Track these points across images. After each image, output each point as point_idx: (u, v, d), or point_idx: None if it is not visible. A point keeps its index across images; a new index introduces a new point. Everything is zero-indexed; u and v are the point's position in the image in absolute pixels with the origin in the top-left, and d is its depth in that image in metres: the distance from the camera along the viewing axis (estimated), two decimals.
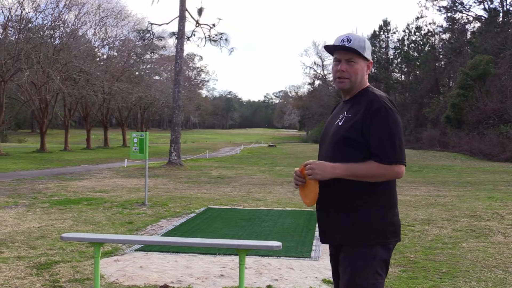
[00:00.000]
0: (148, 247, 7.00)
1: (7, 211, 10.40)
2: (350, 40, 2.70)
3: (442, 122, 47.34)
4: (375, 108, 2.60)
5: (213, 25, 31.66)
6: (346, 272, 2.63)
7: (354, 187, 2.62)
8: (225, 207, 11.44)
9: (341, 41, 2.72)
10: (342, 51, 2.72)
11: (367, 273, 2.57)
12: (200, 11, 31.53)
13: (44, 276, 5.60)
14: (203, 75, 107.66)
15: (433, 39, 68.36)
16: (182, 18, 28.15)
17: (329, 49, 2.80)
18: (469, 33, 60.63)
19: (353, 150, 2.63)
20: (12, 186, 15.59)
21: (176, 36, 28.58)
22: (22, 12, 39.56)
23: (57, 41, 43.85)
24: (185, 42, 28.85)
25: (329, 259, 2.92)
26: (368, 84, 2.81)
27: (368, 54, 2.76)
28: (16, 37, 39.58)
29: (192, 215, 10.17)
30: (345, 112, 2.75)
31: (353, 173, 2.58)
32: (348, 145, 2.65)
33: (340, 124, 2.72)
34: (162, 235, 8.01)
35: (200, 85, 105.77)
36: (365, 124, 2.59)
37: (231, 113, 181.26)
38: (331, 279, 5.48)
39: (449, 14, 61.26)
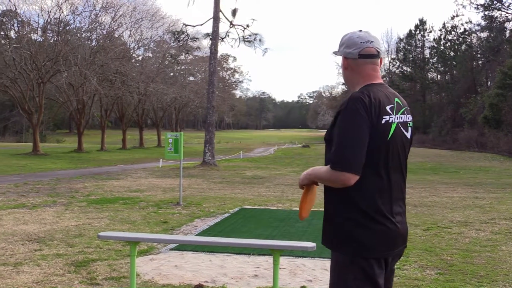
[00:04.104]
0: (183, 247, 7.05)
1: (46, 210, 10.63)
2: None
3: (479, 122, 46.43)
4: (338, 110, 2.47)
5: (247, 25, 31.72)
6: (330, 275, 2.63)
7: (331, 192, 2.53)
8: (259, 207, 11.45)
9: None
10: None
11: (346, 279, 2.47)
12: (234, 12, 31.64)
13: (82, 273, 5.71)
14: (237, 76, 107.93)
15: (470, 38, 67.03)
16: (216, 19, 28.30)
17: None
18: (508, 31, 59.20)
19: (328, 150, 2.57)
20: (51, 185, 15.93)
21: (210, 37, 28.76)
22: (60, 15, 40.54)
23: (94, 43, 44.70)
24: (219, 43, 29.03)
25: None
26: (367, 83, 2.57)
27: (341, 50, 2.64)
28: (55, 39, 40.49)
29: (226, 215, 10.21)
30: None
31: (316, 175, 2.53)
32: (327, 146, 2.60)
33: None
34: (196, 235, 8.06)
35: (234, 85, 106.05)
36: (333, 126, 2.50)
37: (264, 113, 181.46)
38: None
39: (486, 12, 59.93)
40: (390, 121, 2.48)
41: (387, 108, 2.48)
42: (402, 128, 2.54)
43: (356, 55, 2.57)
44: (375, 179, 2.45)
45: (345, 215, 2.47)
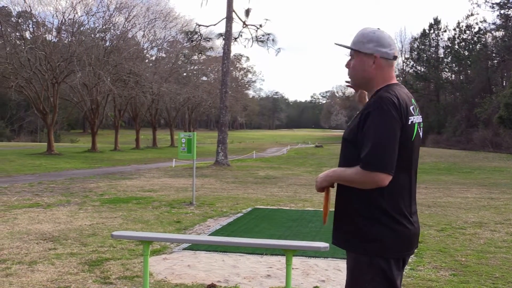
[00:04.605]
0: (195, 246, 7.07)
1: (60, 209, 10.71)
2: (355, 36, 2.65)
3: (494, 122, 45.99)
4: (368, 110, 2.43)
5: (260, 25, 31.73)
6: (347, 276, 2.59)
7: (349, 192, 2.51)
8: (271, 207, 11.44)
9: None
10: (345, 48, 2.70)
11: (363, 280, 2.46)
12: (247, 12, 31.67)
13: (96, 272, 5.74)
14: (250, 76, 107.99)
15: (485, 37, 66.43)
16: (229, 19, 28.34)
17: None
18: None
19: (351, 151, 2.52)
20: (65, 185, 16.05)
21: (224, 37, 28.80)
22: (74, 15, 40.86)
23: (107, 44, 44.94)
24: (232, 43, 29.08)
25: None
26: (389, 83, 2.58)
27: (368, 47, 2.56)
28: (69, 40, 40.80)
29: (239, 215, 10.21)
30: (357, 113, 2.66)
31: (340, 177, 2.50)
32: (345, 146, 2.58)
33: (348, 125, 2.67)
34: (209, 235, 8.07)
35: (247, 85, 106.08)
36: (359, 127, 2.46)
37: (277, 113, 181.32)
38: None
39: (502, 11, 59.35)
40: (414, 121, 2.51)
41: (410, 108, 2.51)
42: (419, 129, 2.57)
43: (392, 56, 2.59)
44: (399, 179, 2.46)
45: (367, 215, 2.46)
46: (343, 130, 2.90)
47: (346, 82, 2.93)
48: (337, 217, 2.60)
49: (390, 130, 2.37)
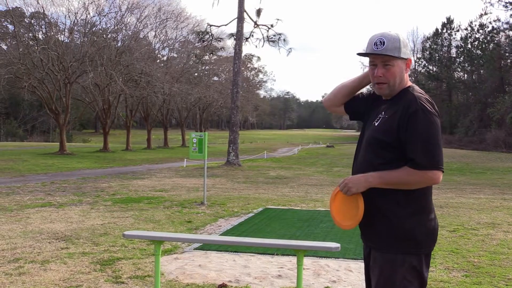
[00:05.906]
0: (207, 246, 7.08)
1: (72, 209, 10.77)
2: (384, 42, 2.54)
3: (508, 122, 45.65)
4: (412, 110, 2.46)
5: (271, 25, 31.73)
6: (375, 277, 2.58)
7: (386, 192, 2.52)
8: (282, 207, 11.43)
9: (374, 44, 2.57)
10: (376, 55, 2.59)
11: (395, 279, 2.47)
12: (258, 12, 31.66)
13: (107, 272, 5.77)
14: (261, 76, 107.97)
15: (499, 37, 65.90)
16: (240, 19, 28.35)
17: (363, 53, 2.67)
18: None
19: (385, 151, 2.54)
20: (77, 185, 16.14)
21: (235, 37, 28.82)
22: (87, 16, 41.09)
23: (119, 44, 45.14)
24: (243, 43, 29.06)
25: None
26: (409, 83, 2.65)
27: (404, 52, 2.58)
28: (82, 40, 41.05)
29: (250, 215, 10.21)
30: (383, 113, 2.64)
31: (387, 181, 2.49)
32: (381, 147, 2.56)
33: (376, 125, 2.63)
34: (220, 235, 8.08)
35: (258, 85, 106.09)
36: (401, 128, 2.47)
37: (288, 113, 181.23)
38: None
39: None
40: None
41: None
42: None
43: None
44: None
45: (400, 214, 2.50)
46: (355, 130, 2.90)
47: None
48: (367, 217, 2.59)
49: (438, 130, 2.47)
